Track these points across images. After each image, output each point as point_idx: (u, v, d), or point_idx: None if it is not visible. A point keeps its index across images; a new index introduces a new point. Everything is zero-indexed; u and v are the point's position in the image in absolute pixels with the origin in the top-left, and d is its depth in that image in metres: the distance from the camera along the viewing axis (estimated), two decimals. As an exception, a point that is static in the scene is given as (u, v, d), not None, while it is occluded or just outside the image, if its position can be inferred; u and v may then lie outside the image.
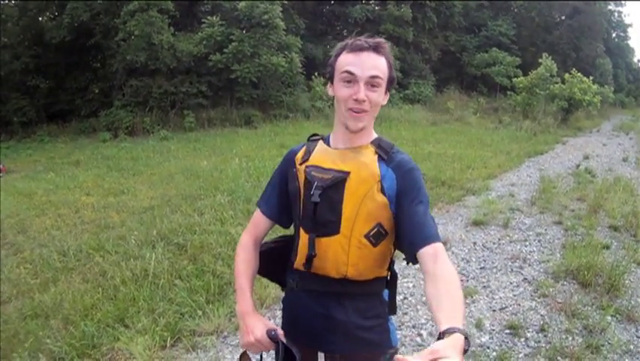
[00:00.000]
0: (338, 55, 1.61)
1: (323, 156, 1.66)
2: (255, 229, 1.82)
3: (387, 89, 1.63)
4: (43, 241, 6.18)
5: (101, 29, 18.94)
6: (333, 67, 1.62)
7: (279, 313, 3.15)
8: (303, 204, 1.66)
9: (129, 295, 4.36)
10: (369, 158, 1.62)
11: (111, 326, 3.92)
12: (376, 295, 1.72)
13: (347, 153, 1.63)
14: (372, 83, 1.55)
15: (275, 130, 16.83)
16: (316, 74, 21.50)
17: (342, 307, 1.65)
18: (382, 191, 1.58)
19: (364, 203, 1.57)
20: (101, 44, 19.41)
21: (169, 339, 3.76)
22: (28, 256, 5.66)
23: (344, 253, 1.59)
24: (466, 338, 1.12)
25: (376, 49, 1.56)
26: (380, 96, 1.59)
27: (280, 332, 1.60)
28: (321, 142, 1.72)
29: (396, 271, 1.81)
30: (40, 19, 20.51)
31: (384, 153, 1.63)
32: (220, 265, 4.99)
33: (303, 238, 1.64)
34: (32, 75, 19.24)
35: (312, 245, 1.61)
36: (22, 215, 7.49)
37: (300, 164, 1.68)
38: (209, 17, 19.08)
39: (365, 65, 1.53)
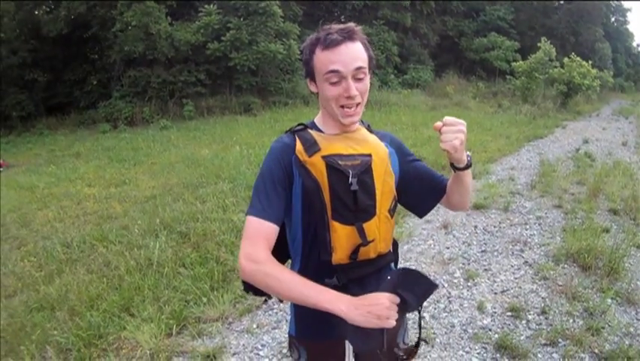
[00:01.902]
0: (312, 52, 1.56)
1: (334, 144, 1.59)
2: (269, 241, 1.53)
3: (370, 70, 1.62)
4: (47, 233, 6.22)
5: (98, 21, 18.83)
6: (310, 65, 1.59)
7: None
8: (330, 197, 1.54)
9: (134, 285, 4.40)
10: (371, 137, 1.68)
11: (117, 315, 3.96)
12: (390, 261, 1.77)
13: (353, 137, 1.63)
14: (357, 75, 1.53)
15: (274, 117, 16.78)
16: (315, 60, 21.46)
17: (368, 286, 1.57)
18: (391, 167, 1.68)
19: (386, 181, 1.63)
20: (98, 36, 19.32)
21: (175, 327, 3.80)
22: (31, 249, 5.69)
23: (378, 231, 1.61)
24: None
25: (351, 37, 1.52)
26: (367, 83, 1.59)
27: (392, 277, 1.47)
28: (313, 132, 1.64)
29: (398, 254, 1.85)
30: (36, 12, 20.32)
31: (372, 132, 1.74)
32: (223, 252, 5.03)
33: (343, 231, 1.55)
34: (30, 69, 19.14)
35: (362, 234, 1.56)
36: (25, 209, 7.51)
37: (310, 156, 1.55)
38: (206, 6, 18.94)
39: (347, 59, 1.50)
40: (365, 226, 1.57)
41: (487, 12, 31.69)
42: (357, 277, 1.62)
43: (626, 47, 47.91)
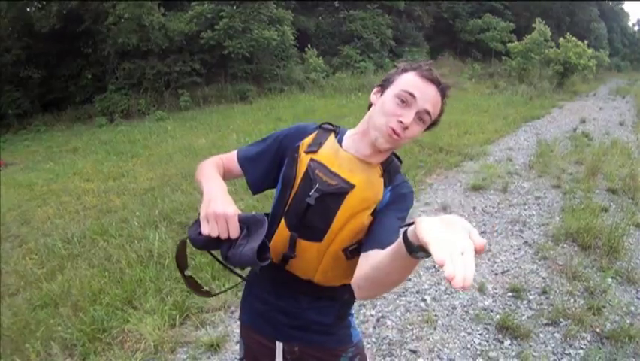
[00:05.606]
0: (405, 71, 1.47)
1: (332, 157, 1.51)
2: (226, 166, 1.70)
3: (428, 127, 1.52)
4: (47, 230, 6.20)
5: (91, 15, 18.66)
6: (392, 80, 1.48)
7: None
8: (293, 196, 1.52)
9: (136, 277, 4.40)
10: (377, 178, 1.51)
11: (120, 308, 3.97)
12: (339, 298, 1.65)
13: (356, 163, 1.51)
14: (421, 116, 1.43)
15: (270, 104, 16.76)
16: (309, 45, 21.66)
17: (301, 303, 1.61)
18: (373, 213, 1.49)
19: (355, 220, 1.47)
20: (91, 30, 19.13)
21: (177, 317, 3.81)
22: (33, 246, 5.67)
23: (317, 261, 1.52)
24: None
25: (443, 90, 1.45)
26: (418, 133, 1.48)
27: (258, 215, 1.35)
28: (332, 137, 1.57)
29: (353, 303, 1.77)
30: (28, 9, 20.17)
31: (389, 178, 1.54)
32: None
33: (283, 232, 1.53)
34: (24, 66, 18.97)
35: (292, 246, 1.51)
36: (24, 206, 7.50)
37: (306, 153, 1.53)
38: (198, -5, 18.91)
39: (428, 95, 1.42)
40: (302, 242, 1.51)
41: (482, -7, 31.55)
42: (280, 281, 1.60)
43: (621, 26, 47.90)
